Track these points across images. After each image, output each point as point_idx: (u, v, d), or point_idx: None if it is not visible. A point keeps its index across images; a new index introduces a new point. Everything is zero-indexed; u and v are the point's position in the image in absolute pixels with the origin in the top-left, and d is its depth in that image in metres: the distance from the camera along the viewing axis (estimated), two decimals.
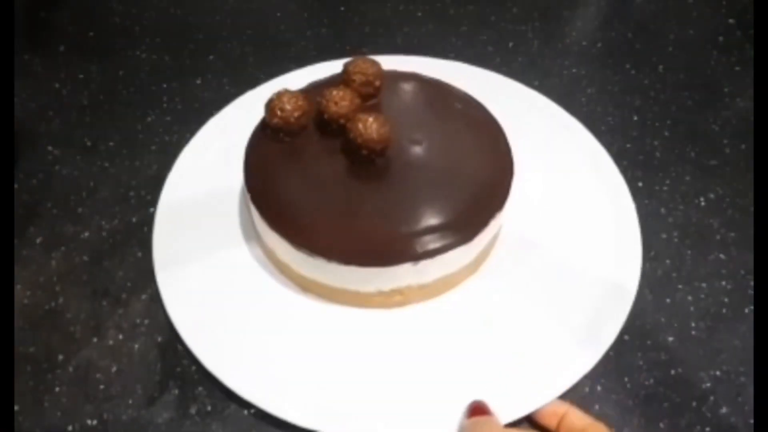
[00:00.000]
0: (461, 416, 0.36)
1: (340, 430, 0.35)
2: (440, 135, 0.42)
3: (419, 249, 0.37)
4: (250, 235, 0.44)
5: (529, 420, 0.37)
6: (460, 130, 0.43)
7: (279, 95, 0.40)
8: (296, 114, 0.40)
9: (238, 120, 0.48)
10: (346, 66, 0.43)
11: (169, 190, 0.46)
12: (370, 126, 0.38)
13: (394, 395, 0.37)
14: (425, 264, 0.37)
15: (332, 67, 0.46)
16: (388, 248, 0.37)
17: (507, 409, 0.36)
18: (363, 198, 0.39)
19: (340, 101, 0.40)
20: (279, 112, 0.40)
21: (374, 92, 0.43)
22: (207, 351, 0.38)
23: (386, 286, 0.39)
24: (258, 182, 0.40)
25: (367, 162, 0.40)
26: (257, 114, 0.43)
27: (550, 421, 0.36)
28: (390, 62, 0.45)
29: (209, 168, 0.47)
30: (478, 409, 0.35)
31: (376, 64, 0.43)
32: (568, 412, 0.35)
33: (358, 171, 0.40)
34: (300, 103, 0.40)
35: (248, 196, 0.40)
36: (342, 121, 0.40)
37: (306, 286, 0.41)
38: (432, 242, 0.37)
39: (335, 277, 0.38)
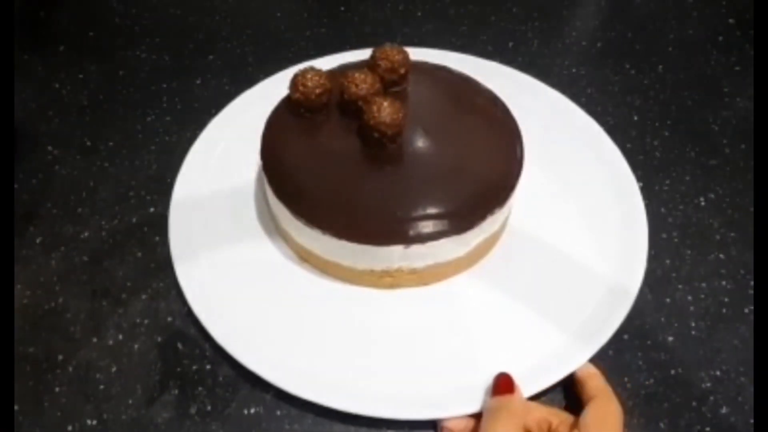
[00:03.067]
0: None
1: (318, 397, 0.36)
2: (456, 130, 0.43)
3: (411, 232, 0.38)
4: (261, 221, 0.45)
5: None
6: (477, 128, 0.43)
7: (303, 72, 0.42)
8: (317, 91, 0.41)
9: (244, 115, 0.50)
10: (374, 51, 0.44)
11: (182, 182, 0.47)
12: (384, 110, 0.39)
13: (377, 373, 0.38)
14: (416, 249, 0.38)
15: (333, 61, 0.47)
16: (380, 228, 0.38)
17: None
18: (367, 179, 0.40)
19: (361, 83, 0.41)
20: (301, 88, 0.41)
21: (399, 80, 0.43)
22: (210, 317, 0.40)
23: (377, 266, 0.40)
24: (271, 150, 0.42)
25: (379, 145, 0.40)
26: (262, 109, 0.44)
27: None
28: (423, 54, 0.46)
29: (222, 158, 0.48)
30: (503, 386, 0.36)
31: (403, 52, 0.43)
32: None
33: (368, 153, 0.41)
34: (322, 81, 0.42)
35: (260, 166, 0.41)
36: (360, 103, 0.41)
37: (305, 256, 0.42)
38: (424, 228, 0.38)
39: (329, 250, 0.40)
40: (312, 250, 0.41)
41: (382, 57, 0.43)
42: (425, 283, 0.41)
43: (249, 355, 0.38)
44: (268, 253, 0.43)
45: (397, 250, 0.38)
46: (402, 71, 0.43)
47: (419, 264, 0.39)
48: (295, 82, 0.42)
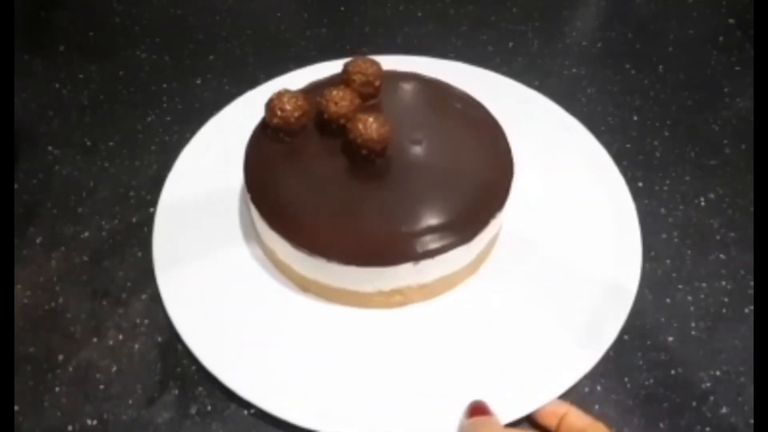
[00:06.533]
0: (461, 416, 0.36)
1: (338, 429, 0.35)
2: (440, 135, 0.42)
3: (419, 249, 0.37)
4: (251, 235, 0.44)
5: (530, 420, 0.37)
6: (460, 130, 0.43)
7: (279, 95, 0.41)
8: (296, 114, 0.40)
9: (237, 120, 0.48)
10: (346, 66, 0.43)
11: (168, 190, 0.46)
12: (370, 126, 0.38)
13: (394, 395, 0.37)
14: (426, 264, 0.37)
15: (333, 67, 0.46)
16: (388, 248, 0.37)
17: (507, 409, 0.36)
18: (363, 198, 0.39)
19: (340, 101, 0.40)
20: (279, 112, 0.40)
21: (374, 92, 0.43)
22: (207, 351, 0.38)
23: (386, 287, 0.39)
24: (258, 181, 0.40)
25: (367, 162, 0.40)
26: (257, 114, 0.43)
27: (550, 421, 0.36)
28: (391, 62, 0.45)
29: (209, 168, 0.48)
30: (478, 409, 0.35)
31: (375, 64, 0.43)
32: (569, 412, 0.35)
33: (358, 171, 0.40)
34: (300, 103, 0.41)
35: (248, 196, 0.40)
36: (342, 121, 0.40)
37: (306, 285, 0.41)
38: (432, 242, 0.37)
39: (335, 277, 0.38)
40: (315, 279, 0.39)
41: (356, 71, 0.42)
42: (433, 296, 0.41)
43: (259, 392, 0.36)
44: (269, 284, 0.42)
45: (406, 267, 0.37)
46: (377, 83, 0.42)
47: (428, 278, 0.39)
48: (271, 107, 0.40)
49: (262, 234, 0.41)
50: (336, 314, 0.40)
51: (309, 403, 0.36)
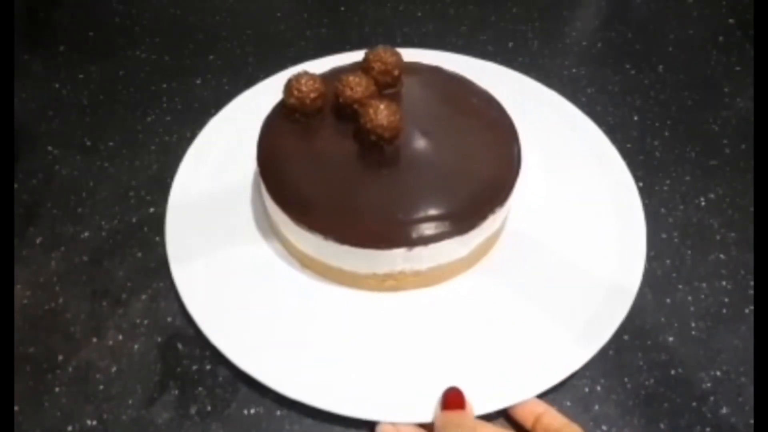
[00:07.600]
0: (436, 403, 0.36)
1: (323, 403, 0.36)
2: (453, 130, 0.43)
3: (414, 235, 0.37)
4: (261, 225, 0.44)
5: (506, 417, 0.37)
6: (473, 127, 0.43)
7: (297, 76, 0.42)
8: (312, 95, 0.41)
9: (242, 116, 0.49)
10: (367, 54, 0.43)
11: (179, 183, 0.47)
12: (380, 112, 0.39)
13: (382, 377, 0.37)
14: (419, 251, 0.38)
15: (332, 63, 0.46)
16: (383, 232, 0.38)
17: (488, 399, 0.36)
18: (366, 182, 0.40)
19: (356, 86, 0.41)
20: (295, 92, 0.41)
21: (393, 81, 0.43)
22: (210, 324, 0.39)
23: (380, 270, 0.39)
24: (268, 156, 0.41)
25: (376, 148, 0.40)
26: (260, 110, 0.44)
27: (526, 419, 0.36)
28: (418, 56, 0.46)
29: (219, 159, 0.48)
30: (452, 400, 0.35)
31: (396, 54, 0.43)
32: (546, 412, 0.35)
33: (366, 156, 0.40)
34: (317, 85, 0.41)
35: (258, 170, 0.41)
36: (356, 106, 0.41)
37: (307, 263, 0.42)
38: (427, 230, 0.38)
39: (332, 256, 0.39)
40: (313, 256, 0.41)
41: (375, 59, 0.42)
42: (428, 285, 0.41)
43: (250, 361, 0.38)
44: (269, 258, 0.43)
45: (399, 253, 0.38)
46: (396, 73, 0.43)
47: (422, 266, 0.39)
48: (289, 87, 0.41)
49: (269, 209, 0.42)
50: (332, 293, 0.41)
51: (295, 374, 0.37)
